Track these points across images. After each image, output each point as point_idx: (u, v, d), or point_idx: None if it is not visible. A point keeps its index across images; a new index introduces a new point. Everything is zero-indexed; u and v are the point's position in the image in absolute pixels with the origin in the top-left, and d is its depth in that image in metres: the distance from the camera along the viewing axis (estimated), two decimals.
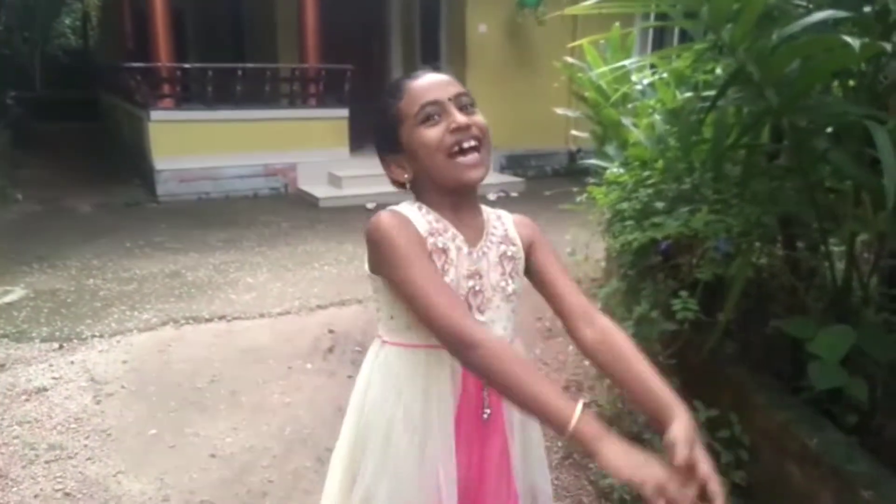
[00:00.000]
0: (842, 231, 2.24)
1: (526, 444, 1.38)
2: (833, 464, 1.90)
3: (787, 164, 2.40)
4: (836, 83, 2.29)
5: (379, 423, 1.26)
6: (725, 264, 2.31)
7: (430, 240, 1.21)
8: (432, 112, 1.19)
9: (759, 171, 2.44)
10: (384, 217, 1.19)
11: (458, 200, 1.25)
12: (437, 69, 1.31)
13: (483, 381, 1.23)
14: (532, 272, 1.32)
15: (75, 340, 3.77)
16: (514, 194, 8.18)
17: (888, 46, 1.69)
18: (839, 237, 2.34)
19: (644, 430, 2.58)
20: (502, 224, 1.33)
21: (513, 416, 1.34)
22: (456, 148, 1.19)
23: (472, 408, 1.28)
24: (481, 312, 1.26)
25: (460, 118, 1.19)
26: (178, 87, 7.82)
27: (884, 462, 1.95)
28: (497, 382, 1.05)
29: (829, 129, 2.24)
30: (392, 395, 1.26)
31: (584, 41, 2.73)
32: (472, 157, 1.20)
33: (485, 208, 1.34)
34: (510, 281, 1.28)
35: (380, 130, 1.26)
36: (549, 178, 8.90)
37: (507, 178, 8.69)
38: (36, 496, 2.43)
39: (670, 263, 2.64)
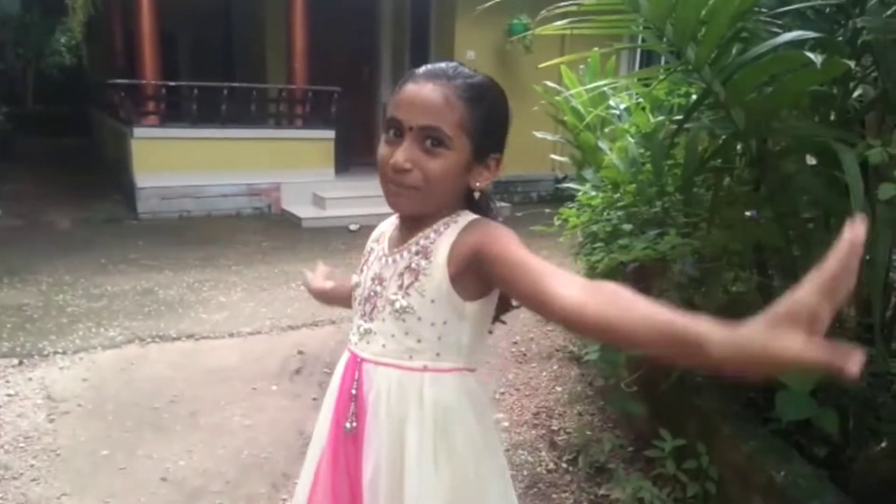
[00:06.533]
0: (812, 257, 2.19)
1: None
2: (797, 498, 1.83)
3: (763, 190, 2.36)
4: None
5: None
6: (693, 289, 2.25)
7: (368, 244, 1.31)
8: (394, 127, 1.10)
9: (730, 196, 2.40)
10: None
11: None
12: (441, 76, 1.09)
13: (354, 383, 1.19)
14: (501, 284, 1.09)
15: (36, 357, 3.66)
16: (499, 219, 8.15)
17: (852, 64, 1.64)
18: (810, 263, 2.29)
19: (610, 458, 2.50)
20: (437, 235, 1.15)
21: (372, 447, 1.15)
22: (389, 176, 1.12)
23: (342, 414, 1.20)
24: (370, 320, 1.20)
25: (400, 158, 1.07)
26: (162, 105, 7.76)
27: (853, 496, 1.89)
28: None
29: (808, 155, 2.22)
30: None
31: (556, 61, 2.70)
32: (397, 188, 1.11)
33: (461, 217, 1.16)
34: (403, 296, 1.15)
35: None
36: (534, 204, 8.88)
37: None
38: None
39: (639, 287, 2.58)
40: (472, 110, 1.09)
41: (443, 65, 1.13)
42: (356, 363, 1.20)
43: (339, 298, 1.49)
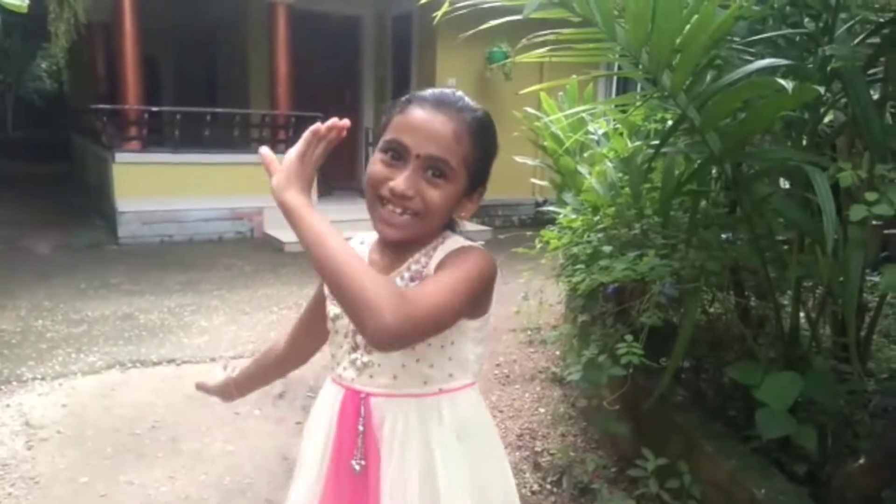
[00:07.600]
0: (787, 278, 2.24)
1: None
2: None
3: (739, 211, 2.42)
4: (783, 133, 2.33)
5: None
6: (672, 309, 2.29)
7: None
8: (395, 150, 1.08)
9: (706, 218, 2.46)
10: None
11: None
12: (450, 106, 1.09)
13: (360, 420, 1.14)
14: None
15: (14, 383, 3.62)
16: (480, 243, 8.20)
17: (822, 90, 1.71)
18: (785, 284, 2.34)
19: (593, 479, 2.51)
20: (429, 259, 1.15)
21: (394, 481, 1.12)
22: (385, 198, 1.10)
23: (345, 453, 1.16)
24: (369, 352, 1.16)
25: (402, 185, 1.06)
26: (144, 130, 7.76)
27: None
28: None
29: (781, 178, 2.28)
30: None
31: (535, 88, 2.76)
32: (392, 215, 1.09)
33: (448, 241, 1.17)
34: None
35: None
36: (515, 228, 8.96)
37: (473, 227, 8.74)
38: None
39: (620, 308, 2.62)
40: (475, 146, 1.11)
41: (448, 92, 1.13)
42: (359, 399, 1.16)
43: (253, 378, 1.53)
